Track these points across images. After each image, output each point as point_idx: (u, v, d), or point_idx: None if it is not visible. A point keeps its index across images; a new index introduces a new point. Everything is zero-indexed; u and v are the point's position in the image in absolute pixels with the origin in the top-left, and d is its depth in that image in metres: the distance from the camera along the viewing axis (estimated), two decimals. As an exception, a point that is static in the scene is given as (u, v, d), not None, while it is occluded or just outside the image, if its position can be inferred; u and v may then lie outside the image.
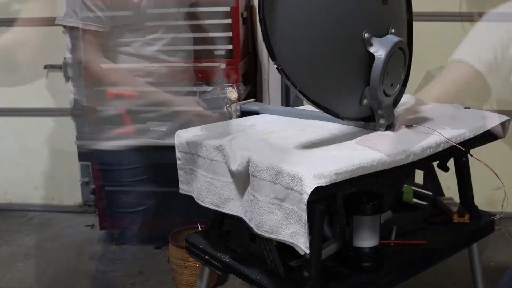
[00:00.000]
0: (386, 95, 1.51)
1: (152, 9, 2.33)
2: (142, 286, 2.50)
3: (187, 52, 2.49)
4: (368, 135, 1.50)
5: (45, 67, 2.99)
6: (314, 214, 1.26)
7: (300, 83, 1.36)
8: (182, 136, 1.57)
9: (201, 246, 1.64)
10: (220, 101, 1.79)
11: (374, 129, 1.55)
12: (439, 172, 1.80)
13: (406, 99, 1.81)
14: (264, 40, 1.31)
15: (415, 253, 1.59)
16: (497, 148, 1.75)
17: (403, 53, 1.53)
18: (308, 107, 1.63)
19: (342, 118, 1.50)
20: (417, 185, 1.92)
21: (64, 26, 2.44)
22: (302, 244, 1.23)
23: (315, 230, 1.27)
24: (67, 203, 3.41)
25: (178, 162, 1.60)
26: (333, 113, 1.46)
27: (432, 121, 1.64)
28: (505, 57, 1.35)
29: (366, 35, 1.43)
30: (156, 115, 2.50)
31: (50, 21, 2.52)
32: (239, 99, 1.87)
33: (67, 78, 3.11)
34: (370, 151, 1.36)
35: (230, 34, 2.48)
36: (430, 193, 1.92)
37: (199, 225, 2.12)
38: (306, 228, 1.22)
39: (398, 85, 1.55)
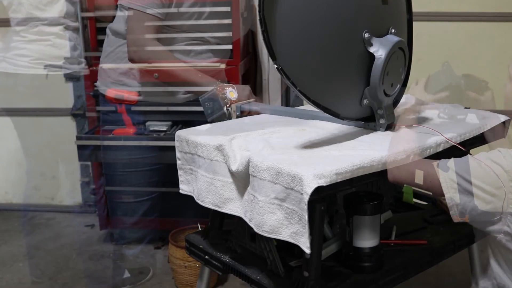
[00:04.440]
0: (386, 95, 1.51)
1: (156, 9, 2.34)
2: (142, 286, 2.50)
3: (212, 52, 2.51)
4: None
5: (45, 67, 2.99)
6: (315, 214, 1.26)
7: (300, 83, 1.36)
8: (182, 136, 1.57)
9: (201, 246, 1.64)
10: (220, 102, 1.79)
11: (374, 129, 1.55)
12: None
13: (406, 99, 1.81)
14: (264, 40, 1.31)
15: (415, 253, 1.59)
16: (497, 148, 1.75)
17: (403, 53, 1.53)
18: (308, 107, 1.63)
19: (342, 118, 1.50)
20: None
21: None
22: (303, 244, 1.23)
23: (315, 230, 1.27)
24: (67, 203, 3.40)
25: (178, 162, 1.60)
26: (333, 113, 1.46)
27: (432, 121, 1.64)
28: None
29: (366, 35, 1.43)
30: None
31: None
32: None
33: (67, 78, 3.12)
34: (370, 151, 1.36)
35: (230, 34, 2.48)
36: (430, 193, 1.92)
37: (199, 225, 2.13)
38: (307, 228, 1.21)
39: (398, 85, 1.55)
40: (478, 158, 1.36)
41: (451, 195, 1.33)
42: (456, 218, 1.36)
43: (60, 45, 2.71)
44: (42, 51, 2.69)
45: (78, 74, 2.91)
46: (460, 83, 1.69)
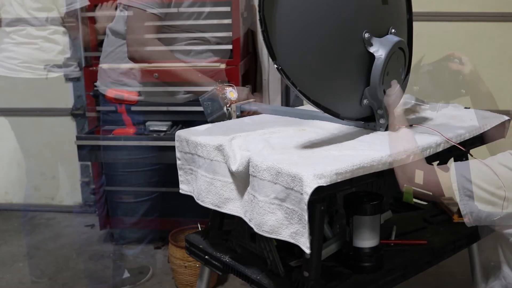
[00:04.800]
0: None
1: (157, 9, 2.34)
2: (142, 286, 2.50)
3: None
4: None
5: (45, 67, 3.00)
6: (315, 214, 1.26)
7: (300, 83, 1.36)
8: (182, 136, 1.57)
9: (201, 246, 1.64)
10: (220, 102, 1.79)
11: (374, 129, 1.55)
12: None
13: (406, 99, 1.81)
14: (264, 40, 1.31)
15: (415, 253, 1.59)
16: (497, 148, 1.75)
17: (403, 53, 1.53)
18: (308, 107, 1.63)
19: (342, 118, 1.50)
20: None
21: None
22: (303, 244, 1.23)
23: (315, 230, 1.27)
24: (67, 203, 3.40)
25: (178, 162, 1.60)
26: (333, 113, 1.46)
27: (432, 121, 1.64)
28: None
29: (366, 35, 1.43)
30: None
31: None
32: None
33: (67, 78, 3.12)
34: (370, 151, 1.36)
35: (230, 34, 2.48)
36: (430, 193, 1.92)
37: (199, 225, 2.12)
38: (307, 228, 1.21)
39: (398, 85, 1.55)
40: (488, 162, 1.35)
41: (465, 203, 1.33)
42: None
43: (47, 49, 2.74)
44: (30, 54, 2.72)
45: (68, 76, 2.94)
46: (432, 67, 1.68)
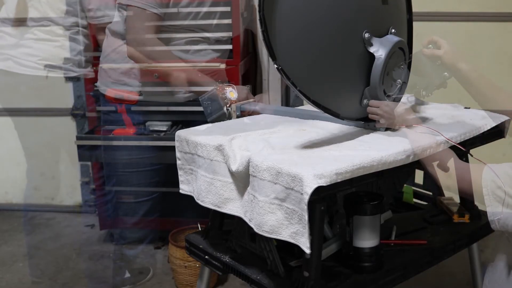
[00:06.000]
0: (386, 95, 1.51)
1: (158, 9, 2.34)
2: (142, 286, 2.50)
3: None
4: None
5: (45, 67, 3.00)
6: (315, 214, 1.26)
7: (300, 83, 1.36)
8: (182, 136, 1.57)
9: (201, 246, 1.64)
10: (220, 102, 1.79)
11: (374, 129, 1.55)
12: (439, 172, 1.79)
13: (406, 99, 1.81)
14: (264, 40, 1.31)
15: (415, 253, 1.59)
16: (497, 148, 1.75)
17: (403, 53, 1.53)
18: (308, 107, 1.63)
19: (342, 118, 1.50)
20: (417, 185, 1.92)
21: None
22: (303, 244, 1.23)
23: (315, 230, 1.27)
24: (67, 203, 3.41)
25: (178, 162, 1.60)
26: (333, 113, 1.46)
27: (432, 121, 1.64)
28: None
29: (366, 35, 1.43)
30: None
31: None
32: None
33: (67, 78, 3.12)
34: (370, 151, 1.36)
35: (230, 34, 2.48)
36: (430, 193, 1.92)
37: (199, 225, 2.13)
38: (307, 228, 1.21)
39: (398, 85, 1.55)
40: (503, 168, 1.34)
41: (494, 209, 1.32)
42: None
43: (68, 48, 2.72)
44: (50, 51, 2.69)
45: (85, 76, 2.92)
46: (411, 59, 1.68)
